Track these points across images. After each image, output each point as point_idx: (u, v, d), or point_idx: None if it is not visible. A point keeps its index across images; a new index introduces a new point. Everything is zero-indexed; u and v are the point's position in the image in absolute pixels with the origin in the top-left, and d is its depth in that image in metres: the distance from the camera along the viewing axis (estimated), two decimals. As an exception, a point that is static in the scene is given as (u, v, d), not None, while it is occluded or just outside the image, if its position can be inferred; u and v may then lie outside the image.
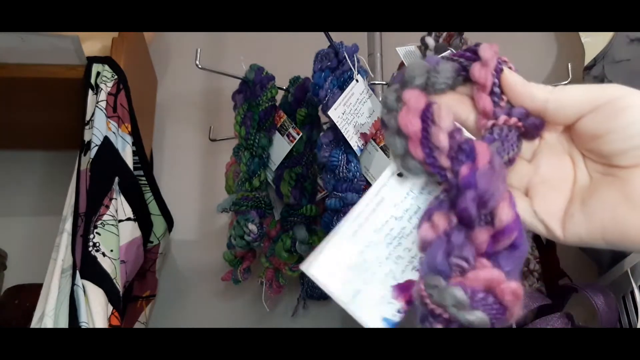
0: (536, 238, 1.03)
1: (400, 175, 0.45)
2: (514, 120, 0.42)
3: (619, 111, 0.39)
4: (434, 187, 0.44)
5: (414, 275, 0.43)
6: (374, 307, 0.42)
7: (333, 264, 0.43)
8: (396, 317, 0.43)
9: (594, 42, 1.07)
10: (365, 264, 0.43)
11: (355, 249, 0.44)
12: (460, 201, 0.38)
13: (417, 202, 0.45)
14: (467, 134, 0.43)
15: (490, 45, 0.43)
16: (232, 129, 1.01)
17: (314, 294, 1.06)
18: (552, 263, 1.03)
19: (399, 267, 0.44)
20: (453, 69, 0.44)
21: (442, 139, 0.40)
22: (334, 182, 0.86)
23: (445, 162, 0.40)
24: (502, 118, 0.42)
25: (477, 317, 0.37)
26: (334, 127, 0.86)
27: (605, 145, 0.40)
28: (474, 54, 0.44)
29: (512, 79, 0.43)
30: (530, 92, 0.43)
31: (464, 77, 0.44)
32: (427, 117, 0.41)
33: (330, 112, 0.85)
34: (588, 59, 1.07)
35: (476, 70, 0.43)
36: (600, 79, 1.03)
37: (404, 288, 0.43)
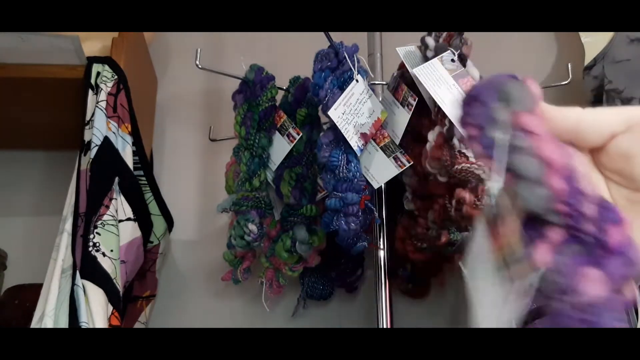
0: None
1: None
2: None
3: None
4: None
5: None
6: None
7: None
8: None
9: (594, 42, 1.07)
10: None
11: None
12: (611, 264, 0.36)
13: None
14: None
15: None
16: (232, 129, 1.01)
17: (314, 294, 1.06)
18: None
19: None
20: None
21: (591, 209, 0.36)
22: (334, 182, 0.86)
23: (589, 227, 0.36)
24: None
25: None
26: (334, 127, 0.86)
27: (638, 166, 0.39)
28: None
29: (545, 106, 0.42)
30: (562, 112, 0.42)
31: None
32: (573, 183, 0.37)
33: (330, 112, 0.85)
34: (588, 59, 1.07)
35: None
36: (600, 79, 1.03)
37: None
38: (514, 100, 0.38)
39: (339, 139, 0.87)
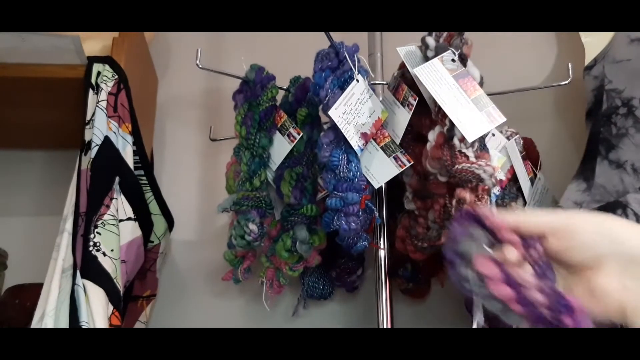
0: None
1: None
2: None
3: (574, 234, 0.54)
4: None
5: None
6: None
7: None
8: None
9: (594, 42, 1.07)
10: None
11: None
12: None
13: None
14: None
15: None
16: (232, 129, 1.01)
17: (314, 293, 1.06)
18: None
19: None
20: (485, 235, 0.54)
21: (538, 296, 0.50)
22: (335, 182, 0.86)
23: (547, 312, 0.50)
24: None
25: None
26: (334, 127, 0.86)
27: (567, 257, 0.55)
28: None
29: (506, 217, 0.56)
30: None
31: None
32: (512, 282, 0.51)
33: (331, 112, 0.85)
34: (588, 59, 1.07)
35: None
36: (601, 79, 1.03)
37: None
38: (469, 255, 0.53)
39: (340, 139, 0.87)
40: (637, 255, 0.53)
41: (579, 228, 0.54)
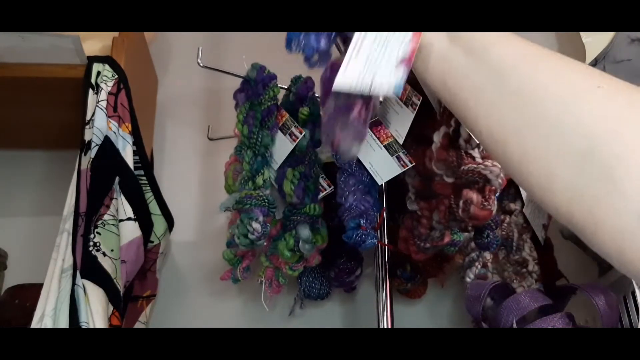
0: (534, 239, 1.03)
1: None
2: None
3: None
4: None
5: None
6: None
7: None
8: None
9: (594, 43, 1.07)
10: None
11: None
12: None
13: None
14: None
15: None
16: (232, 129, 1.01)
17: (311, 293, 1.06)
18: (550, 264, 1.03)
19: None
20: None
21: None
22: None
23: None
24: None
25: None
26: (354, 174, 0.88)
27: None
28: None
29: None
30: None
31: None
32: None
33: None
34: (589, 59, 1.07)
35: None
36: (601, 79, 1.03)
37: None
38: None
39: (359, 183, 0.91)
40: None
41: None
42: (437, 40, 0.55)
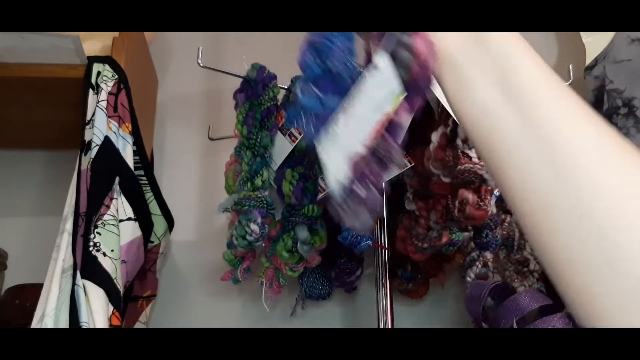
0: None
1: None
2: None
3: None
4: None
5: None
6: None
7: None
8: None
9: (595, 42, 1.07)
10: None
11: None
12: None
13: None
14: None
15: None
16: (232, 129, 1.01)
17: (313, 294, 1.06)
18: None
19: None
20: None
21: None
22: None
23: None
24: None
25: None
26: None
27: None
28: None
29: None
30: None
31: None
32: None
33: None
34: (589, 59, 1.07)
35: None
36: (602, 79, 1.03)
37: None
38: None
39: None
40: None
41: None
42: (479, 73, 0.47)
